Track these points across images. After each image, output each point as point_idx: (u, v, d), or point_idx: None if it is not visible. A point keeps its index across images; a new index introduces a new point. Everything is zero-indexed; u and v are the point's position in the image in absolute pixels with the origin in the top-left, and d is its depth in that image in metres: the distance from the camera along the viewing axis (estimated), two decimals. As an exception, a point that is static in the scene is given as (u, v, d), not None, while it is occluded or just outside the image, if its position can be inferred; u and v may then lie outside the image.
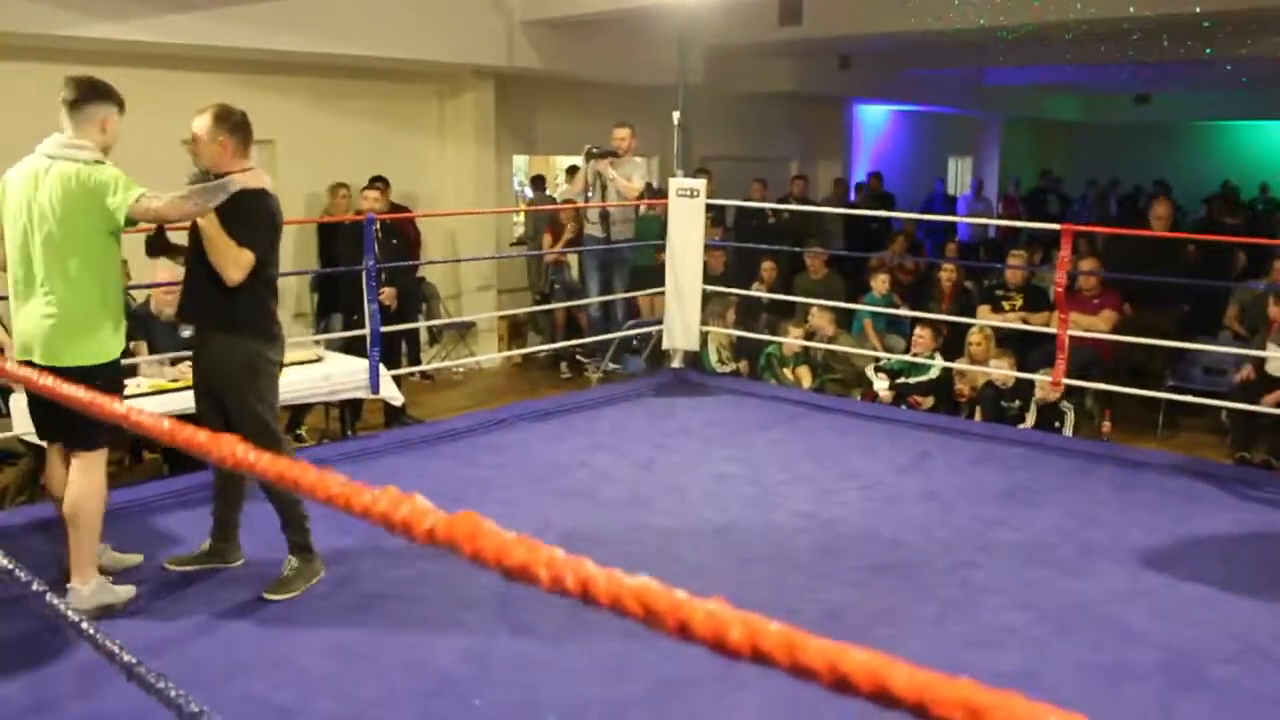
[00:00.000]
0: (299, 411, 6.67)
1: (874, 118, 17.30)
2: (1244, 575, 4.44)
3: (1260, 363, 6.84)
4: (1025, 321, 7.69)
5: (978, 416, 7.11)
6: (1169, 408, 7.30)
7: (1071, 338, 6.48)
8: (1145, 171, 19.31)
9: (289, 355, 6.12)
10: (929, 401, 7.42)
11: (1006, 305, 7.99)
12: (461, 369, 9.36)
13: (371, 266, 6.30)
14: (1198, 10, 8.47)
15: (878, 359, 7.81)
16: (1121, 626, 3.93)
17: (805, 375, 8.05)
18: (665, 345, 8.01)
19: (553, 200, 10.68)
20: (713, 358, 8.40)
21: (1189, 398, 6.75)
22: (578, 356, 9.17)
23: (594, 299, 8.69)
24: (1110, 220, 16.01)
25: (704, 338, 8.14)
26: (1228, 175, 17.88)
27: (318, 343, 6.80)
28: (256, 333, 4.11)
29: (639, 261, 8.72)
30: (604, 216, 8.45)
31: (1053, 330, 6.70)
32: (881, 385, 7.58)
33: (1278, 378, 6.73)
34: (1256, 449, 6.74)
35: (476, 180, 10.10)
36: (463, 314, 9.77)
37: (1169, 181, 17.59)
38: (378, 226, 6.56)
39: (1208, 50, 11.08)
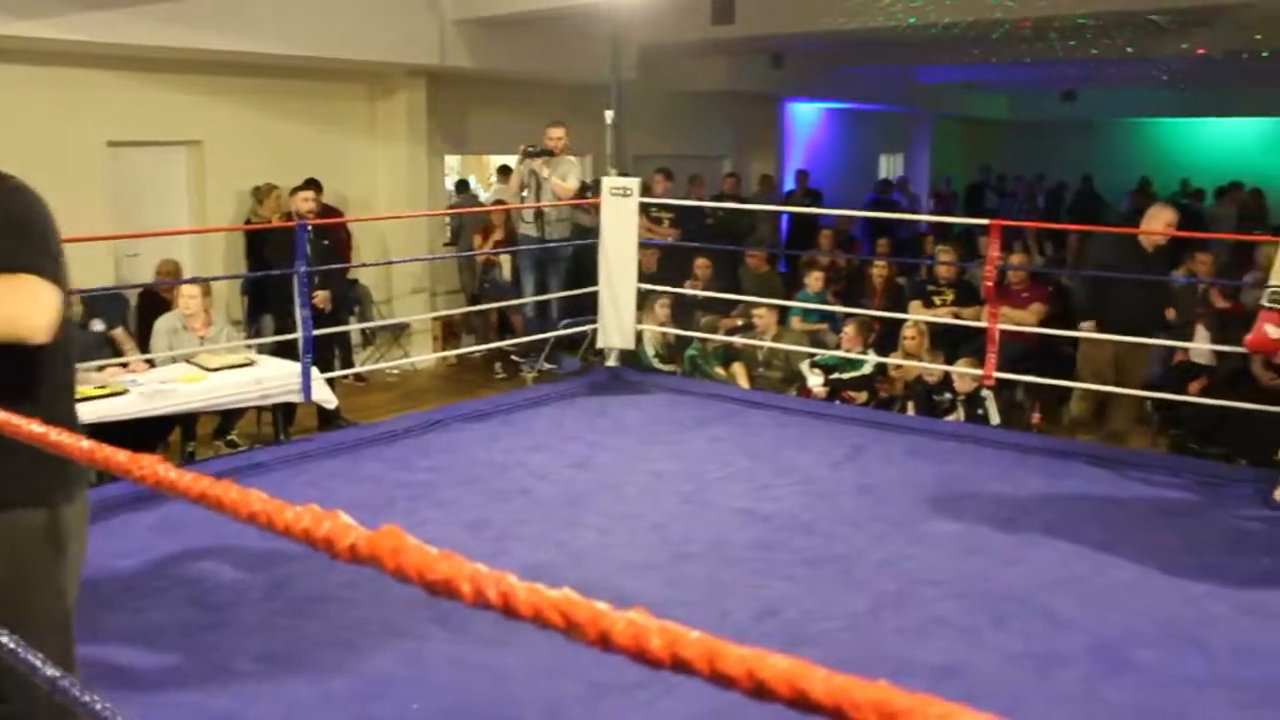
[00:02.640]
0: (231, 416, 6.58)
1: (807, 115, 17.45)
2: (1168, 560, 4.55)
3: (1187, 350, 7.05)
4: (957, 316, 7.81)
5: (910, 410, 7.21)
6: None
7: (1002, 331, 6.59)
8: (1071, 168, 19.71)
9: (221, 359, 6.04)
10: (862, 396, 7.50)
11: (938, 300, 8.11)
12: (395, 370, 9.30)
13: (303, 271, 6.23)
14: (1125, 9, 8.64)
15: (813, 355, 7.88)
16: (1051, 614, 4.02)
17: (740, 372, 8.09)
18: (600, 344, 8.00)
19: (477, 203, 10.62)
20: (649, 354, 8.41)
21: (1115, 389, 6.89)
22: (512, 356, 9.13)
23: (528, 299, 8.66)
24: (1039, 215, 16.34)
25: (640, 335, 8.15)
26: (1148, 171, 18.35)
27: (249, 346, 6.71)
28: (56, 475, 2.23)
29: None
30: (538, 215, 8.43)
31: (983, 324, 6.81)
32: (816, 381, 7.65)
33: (1202, 365, 6.92)
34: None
35: (409, 181, 10.03)
36: (395, 316, 9.70)
37: (1092, 176, 18.00)
38: (310, 229, 6.51)
39: (1129, 48, 11.32)
